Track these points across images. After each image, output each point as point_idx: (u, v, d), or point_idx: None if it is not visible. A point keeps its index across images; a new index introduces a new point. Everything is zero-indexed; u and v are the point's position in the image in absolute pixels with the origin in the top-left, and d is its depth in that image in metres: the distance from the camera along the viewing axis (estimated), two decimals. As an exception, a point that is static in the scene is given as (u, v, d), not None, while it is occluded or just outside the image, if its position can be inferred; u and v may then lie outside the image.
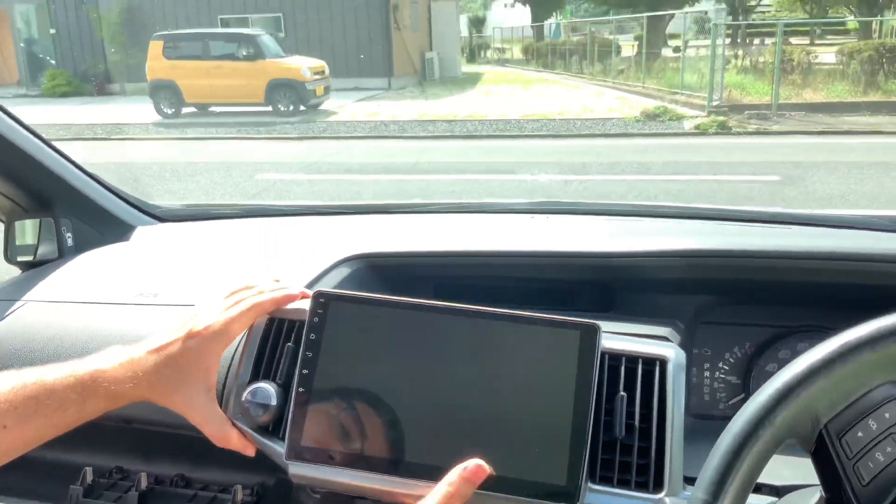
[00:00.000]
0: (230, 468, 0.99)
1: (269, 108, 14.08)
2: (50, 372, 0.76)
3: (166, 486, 0.99)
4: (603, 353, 0.81)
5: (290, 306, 0.92)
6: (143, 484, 0.97)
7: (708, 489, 0.53)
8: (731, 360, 1.07)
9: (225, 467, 1.00)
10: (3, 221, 1.44)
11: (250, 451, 0.85)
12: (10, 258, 1.43)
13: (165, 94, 14.31)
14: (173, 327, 0.83)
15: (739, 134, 10.31)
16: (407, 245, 1.18)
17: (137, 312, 1.09)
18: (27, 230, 1.43)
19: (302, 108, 14.16)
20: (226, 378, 0.93)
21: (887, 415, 0.54)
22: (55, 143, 1.43)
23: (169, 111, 14.30)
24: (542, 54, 25.14)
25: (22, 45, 19.90)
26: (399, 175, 8.67)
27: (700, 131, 10.52)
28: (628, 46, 20.97)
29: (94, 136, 11.68)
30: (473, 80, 20.71)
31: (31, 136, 1.36)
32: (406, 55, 19.19)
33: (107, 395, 0.78)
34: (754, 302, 1.06)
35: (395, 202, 1.69)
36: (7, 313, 1.14)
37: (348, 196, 7.28)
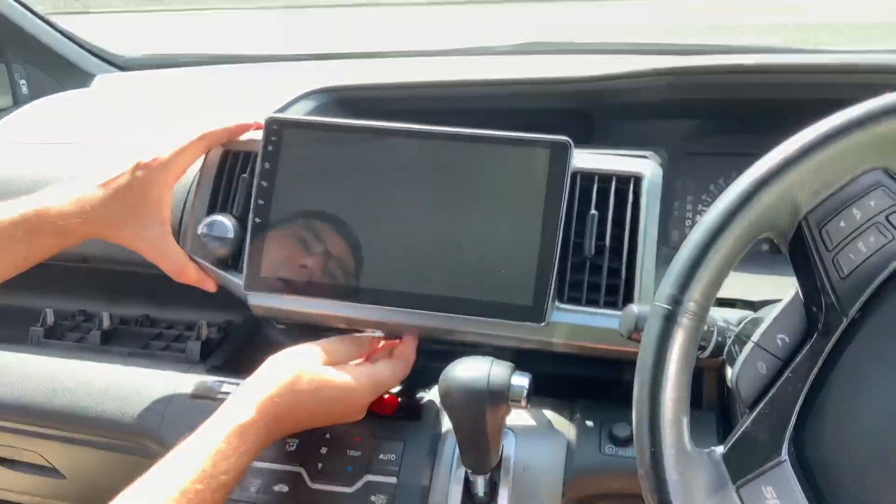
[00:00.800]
0: (196, 308, 0.97)
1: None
2: None
3: (131, 326, 0.97)
4: (575, 173, 0.77)
5: (245, 137, 0.87)
6: (106, 323, 0.94)
7: (674, 284, 0.50)
8: (715, 191, 1.03)
9: (191, 307, 0.97)
10: (-51, 68, 1.36)
11: (210, 286, 0.83)
12: (-41, 107, 1.35)
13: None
14: (121, 160, 0.78)
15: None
16: (377, 78, 1.10)
17: (94, 154, 1.03)
18: (-24, 76, 1.35)
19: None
20: (182, 213, 0.88)
21: (872, 203, 0.50)
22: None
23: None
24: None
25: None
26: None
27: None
28: None
29: None
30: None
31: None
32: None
33: (55, 232, 0.75)
34: (742, 130, 1.01)
35: (369, 50, 1.59)
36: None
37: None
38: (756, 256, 0.79)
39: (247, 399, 0.64)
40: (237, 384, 0.82)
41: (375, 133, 0.80)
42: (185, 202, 0.88)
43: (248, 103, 1.09)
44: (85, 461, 0.92)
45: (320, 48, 1.55)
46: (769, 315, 0.54)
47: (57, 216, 0.74)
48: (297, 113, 1.05)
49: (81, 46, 1.49)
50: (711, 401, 0.78)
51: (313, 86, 1.09)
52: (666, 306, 0.50)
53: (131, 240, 0.78)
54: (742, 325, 0.59)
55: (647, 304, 0.72)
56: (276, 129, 0.80)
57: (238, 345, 0.92)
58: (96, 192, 0.76)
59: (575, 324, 0.74)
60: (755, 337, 0.53)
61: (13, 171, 1.04)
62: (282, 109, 1.03)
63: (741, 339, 0.56)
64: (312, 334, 0.91)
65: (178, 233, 0.84)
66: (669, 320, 0.49)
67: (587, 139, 1.04)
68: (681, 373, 0.49)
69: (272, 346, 0.93)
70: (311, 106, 1.06)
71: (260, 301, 0.80)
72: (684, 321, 0.49)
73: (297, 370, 0.67)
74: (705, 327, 0.52)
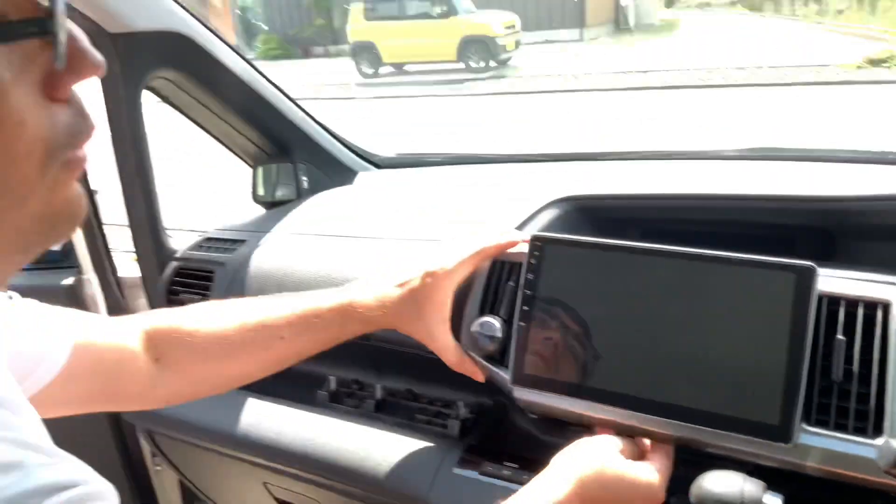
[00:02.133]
0: (451, 387, 1.10)
1: (461, 65, 14.33)
2: (318, 298, 0.92)
3: (398, 398, 1.11)
4: (821, 297, 0.79)
5: (511, 249, 1.00)
6: (378, 394, 1.10)
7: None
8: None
9: (447, 386, 1.10)
10: (251, 166, 1.65)
11: (479, 377, 0.96)
12: (255, 198, 1.64)
13: (365, 55, 15.05)
14: (413, 266, 0.95)
15: None
16: (616, 188, 1.20)
17: (370, 246, 1.22)
18: (270, 174, 1.62)
19: (493, 63, 14.26)
20: (460, 313, 1.02)
21: None
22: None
23: (369, 71, 15.03)
24: (749, -4, 23.24)
25: (237, 11, 21.73)
26: (593, 127, 8.52)
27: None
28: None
29: (300, 97, 12.59)
30: (672, 26, 19.62)
31: (276, 91, 1.54)
32: (599, 3, 18.56)
33: (361, 321, 0.92)
34: None
35: (599, 150, 1.70)
36: (260, 243, 1.32)
37: (535, 149, 7.31)
38: None
39: (563, 476, 0.74)
40: (492, 465, 0.93)
41: (627, 251, 0.89)
42: (463, 304, 1.02)
43: (499, 208, 1.24)
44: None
45: (549, 146, 1.68)
46: None
47: (363, 308, 0.91)
48: (543, 218, 1.17)
49: (348, 147, 1.74)
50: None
51: (557, 192, 1.21)
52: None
53: (419, 332, 0.93)
54: None
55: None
56: (540, 245, 0.93)
57: (489, 426, 1.03)
58: (393, 292, 0.92)
59: (823, 447, 0.75)
60: None
61: (293, 260, 1.25)
62: (531, 217, 1.16)
63: None
64: (559, 427, 1.01)
65: (455, 329, 0.98)
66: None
67: (828, 257, 1.05)
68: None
69: (520, 433, 1.04)
70: (555, 213, 1.18)
71: (523, 395, 0.91)
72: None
73: (604, 458, 0.76)
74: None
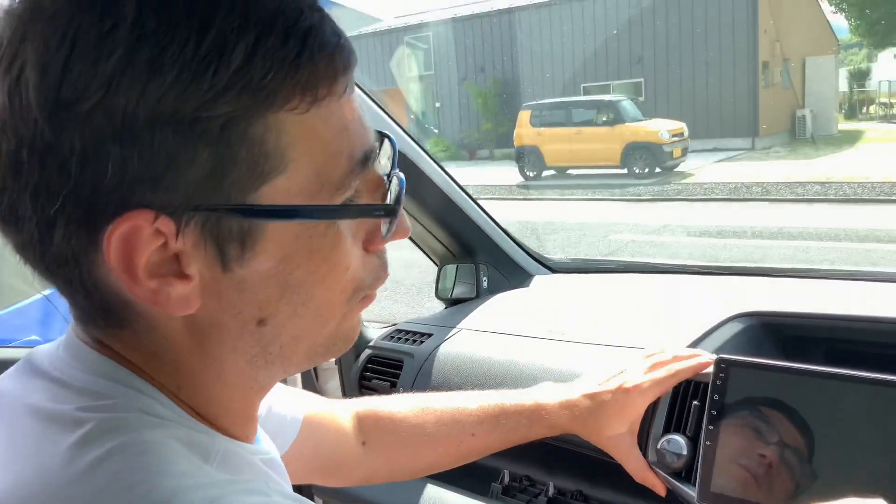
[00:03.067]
0: (622, 493, 1.12)
1: (625, 171, 14.39)
2: (505, 397, 0.98)
3: (568, 499, 1.15)
4: None
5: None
6: (551, 492, 1.14)
7: None
8: None
9: (618, 491, 1.12)
10: (436, 264, 1.79)
11: (662, 491, 0.99)
12: (439, 295, 1.77)
13: (529, 158, 15.53)
14: (604, 377, 1.00)
15: None
16: (800, 306, 1.20)
17: (548, 346, 1.29)
18: (453, 272, 1.75)
19: (658, 169, 14.21)
20: (646, 427, 1.06)
21: None
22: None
23: (531, 174, 15.46)
24: (941, 107, 21.71)
25: (412, 116, 23.29)
26: (761, 240, 8.19)
27: None
28: None
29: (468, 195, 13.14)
30: (852, 138, 18.67)
31: (464, 194, 1.69)
32: (773, 113, 18.09)
33: (548, 425, 0.97)
34: None
35: (775, 266, 1.69)
36: (446, 337, 1.43)
37: (703, 259, 7.11)
38: None
39: None
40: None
41: (814, 376, 0.90)
42: (649, 419, 1.06)
43: (676, 320, 1.27)
44: None
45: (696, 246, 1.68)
46: None
47: (551, 413, 0.96)
48: (724, 333, 1.19)
49: (525, 251, 1.85)
50: None
51: (736, 307, 1.23)
52: None
53: (605, 443, 0.97)
54: None
55: None
56: (725, 367, 0.96)
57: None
58: (582, 401, 0.96)
59: None
60: None
61: (475, 354, 1.34)
62: (711, 331, 1.19)
63: None
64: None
65: (642, 444, 1.01)
66: None
67: None
68: None
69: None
70: (737, 329, 1.20)
71: None
72: None
73: None
74: None
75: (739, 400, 0.94)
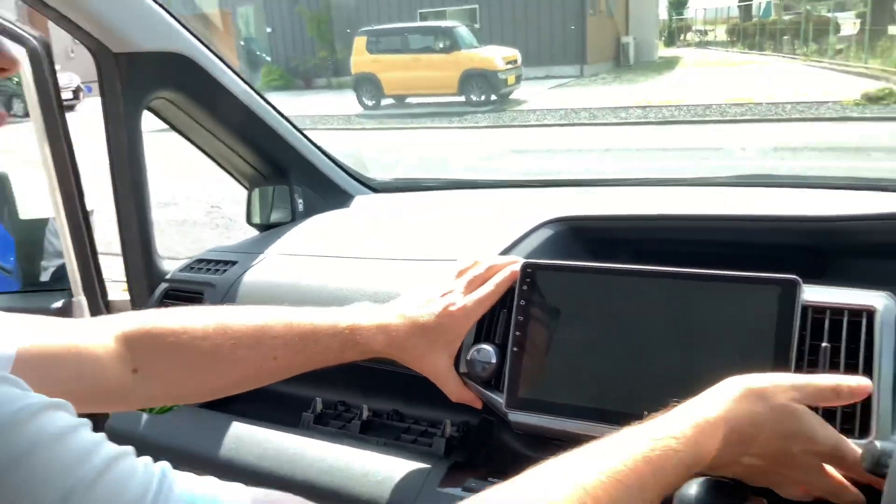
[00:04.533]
0: (438, 407, 1.08)
1: (462, 98, 14.48)
2: (317, 317, 0.89)
3: (383, 419, 1.10)
4: (805, 307, 0.81)
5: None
6: (365, 415, 1.09)
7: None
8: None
9: (433, 406, 1.09)
10: (246, 188, 1.65)
11: (478, 405, 0.96)
12: (250, 220, 1.64)
13: (367, 86, 15.23)
14: (424, 299, 0.94)
15: None
16: (607, 210, 1.20)
17: (363, 266, 1.22)
18: (266, 196, 1.63)
19: (493, 97, 14.42)
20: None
21: None
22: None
23: (370, 103, 15.19)
24: (748, 35, 23.60)
25: (241, 42, 22.00)
26: (591, 162, 8.57)
27: (934, 113, 9.35)
28: (849, 24, 19.05)
29: (302, 127, 12.69)
30: (672, 64, 19.88)
31: (275, 113, 1.56)
32: (600, 41, 18.82)
33: (360, 349, 0.90)
34: None
35: (593, 177, 1.71)
36: (253, 263, 1.32)
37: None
38: None
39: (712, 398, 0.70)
40: (478, 481, 0.92)
41: (614, 274, 0.90)
42: None
43: (491, 230, 1.24)
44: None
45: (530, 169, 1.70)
46: None
47: (366, 337, 0.89)
48: (535, 239, 1.18)
49: (345, 171, 1.75)
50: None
51: (547, 215, 1.21)
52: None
53: (422, 366, 0.92)
54: None
55: (885, 436, 0.73)
56: (529, 272, 0.94)
57: (475, 444, 1.02)
58: (401, 324, 0.90)
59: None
60: None
61: (284, 280, 1.25)
62: (522, 238, 1.16)
63: None
64: (543, 442, 1.00)
65: (456, 358, 0.97)
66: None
67: (819, 275, 1.06)
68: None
69: (506, 449, 1.03)
70: (547, 235, 1.18)
71: (518, 418, 0.91)
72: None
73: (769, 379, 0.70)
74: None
75: (545, 304, 0.92)
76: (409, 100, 15.47)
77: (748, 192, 1.38)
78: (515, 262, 0.96)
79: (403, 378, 1.07)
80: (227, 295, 1.25)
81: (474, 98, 14.40)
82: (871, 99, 10.45)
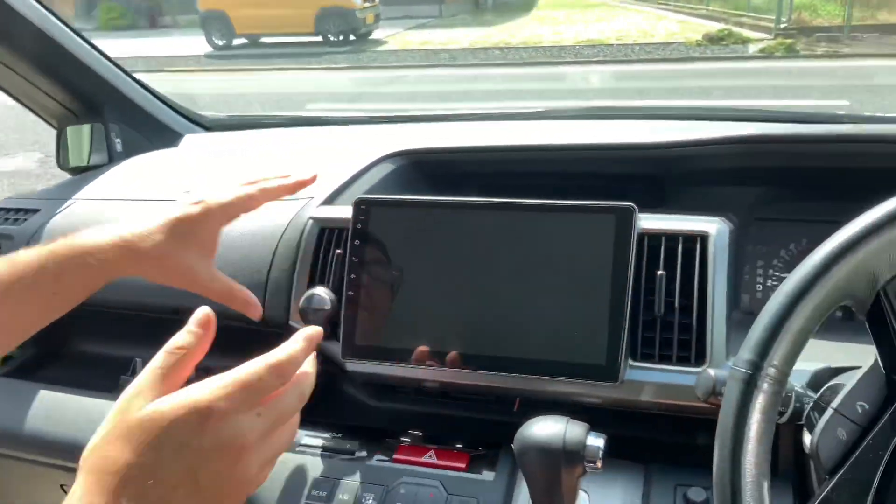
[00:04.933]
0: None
1: (319, 38, 13.95)
2: (23, 252, 0.72)
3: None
4: (642, 234, 0.80)
5: (337, 215, 0.93)
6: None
7: (755, 349, 0.51)
8: (786, 257, 1.03)
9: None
10: (55, 128, 1.46)
11: (256, 314, 0.82)
12: (61, 164, 1.46)
13: (216, 25, 14.29)
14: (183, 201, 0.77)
15: (808, 57, 9.76)
16: (451, 142, 1.15)
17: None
18: (78, 136, 1.45)
19: (352, 37, 13.99)
20: (288, 286, 0.93)
21: (953, 274, 0.50)
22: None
23: (220, 42, 14.31)
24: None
25: (72, -22, 20.01)
26: (451, 103, 8.54)
27: (766, 55, 10.01)
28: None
29: (147, 69, 11.81)
30: (528, 5, 20.08)
31: (82, 42, 1.37)
32: (458, -19, 18.67)
33: (87, 266, 0.71)
34: (812, 197, 1.01)
35: (441, 112, 1.65)
36: (57, 211, 1.16)
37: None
38: (833, 323, 0.79)
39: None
40: (317, 436, 0.86)
41: (451, 207, 0.85)
42: (291, 277, 0.94)
43: (328, 164, 1.15)
44: None
45: (387, 110, 1.62)
46: (849, 382, 0.55)
47: (93, 250, 0.71)
48: (377, 175, 1.11)
49: (172, 108, 1.59)
50: (786, 467, 0.77)
51: (389, 149, 1.14)
52: (746, 371, 0.51)
53: (175, 272, 0.75)
54: (821, 391, 0.60)
55: (720, 362, 0.74)
56: (364, 208, 0.86)
57: (314, 397, 0.95)
58: (142, 227, 0.73)
59: (649, 381, 0.76)
60: (835, 404, 0.54)
61: (88, 226, 1.09)
62: (362, 172, 1.09)
63: (820, 406, 0.57)
64: (390, 391, 0.95)
65: (285, 304, 0.91)
66: (750, 385, 0.50)
67: (658, 204, 1.06)
68: (762, 438, 0.50)
69: (346, 399, 0.97)
70: (389, 169, 1.12)
71: (356, 367, 0.86)
72: (765, 386, 0.50)
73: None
74: (784, 393, 0.53)
75: (382, 243, 0.86)
76: (262, 39, 14.71)
77: (592, 125, 1.37)
78: (286, 177, 0.82)
79: (234, 332, 0.98)
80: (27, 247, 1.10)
81: (332, 38, 13.90)
82: (712, 40, 11.03)
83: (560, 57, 11.04)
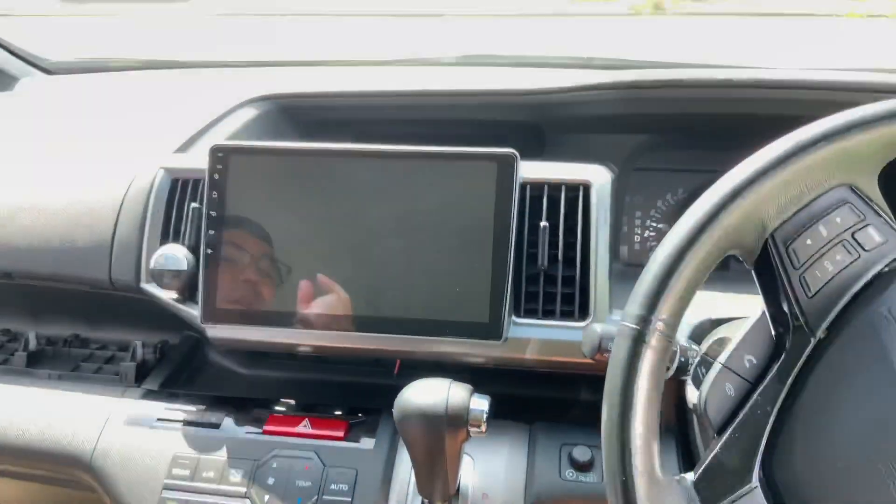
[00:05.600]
0: (130, 327, 0.91)
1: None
2: None
3: (59, 347, 0.90)
4: (524, 184, 0.76)
5: (191, 165, 0.83)
6: (32, 344, 0.88)
7: (643, 302, 0.48)
8: (663, 207, 1.03)
9: (124, 326, 0.92)
10: None
11: None
12: None
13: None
14: None
15: (676, 15, 10.13)
16: (318, 87, 1.06)
17: (19, 169, 0.96)
18: None
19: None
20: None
21: (839, 219, 0.49)
22: None
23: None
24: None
25: None
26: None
27: (633, 13, 10.31)
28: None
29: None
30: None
31: None
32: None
33: None
34: (690, 146, 1.01)
35: (309, 59, 1.55)
36: None
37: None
38: (717, 273, 0.79)
39: None
40: (177, 409, 0.78)
41: (321, 155, 0.77)
42: (141, 234, 0.83)
43: (187, 109, 1.04)
44: (11, 495, 0.86)
45: (257, 56, 1.50)
46: (735, 335, 0.53)
47: None
48: (239, 121, 1.01)
49: (5, 48, 1.40)
50: (670, 424, 0.77)
51: (254, 93, 1.05)
52: (634, 326, 0.48)
53: None
54: (709, 344, 0.58)
55: (603, 316, 0.72)
56: (222, 156, 0.77)
57: (175, 366, 0.87)
58: None
59: (534, 338, 0.73)
60: (722, 358, 0.52)
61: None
62: (222, 116, 0.99)
63: (707, 361, 0.55)
64: (261, 358, 0.87)
65: (135, 264, 0.80)
66: (638, 341, 0.48)
67: (538, 153, 1.03)
68: (651, 396, 0.48)
69: (212, 368, 0.89)
70: (253, 114, 1.02)
71: (217, 333, 0.77)
72: (653, 342, 0.48)
73: None
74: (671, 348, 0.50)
75: (243, 195, 0.77)
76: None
77: (471, 71, 1.32)
78: None
79: (83, 295, 0.88)
80: None
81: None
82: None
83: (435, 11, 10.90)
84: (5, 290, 0.92)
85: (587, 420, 0.73)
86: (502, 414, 0.68)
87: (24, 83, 1.38)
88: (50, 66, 1.46)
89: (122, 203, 0.83)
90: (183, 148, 0.90)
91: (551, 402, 0.79)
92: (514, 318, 0.73)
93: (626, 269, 1.00)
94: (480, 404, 0.60)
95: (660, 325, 0.48)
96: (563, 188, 0.76)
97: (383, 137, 1.04)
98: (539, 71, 1.28)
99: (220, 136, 0.95)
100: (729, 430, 0.49)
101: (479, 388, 0.63)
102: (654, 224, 1.03)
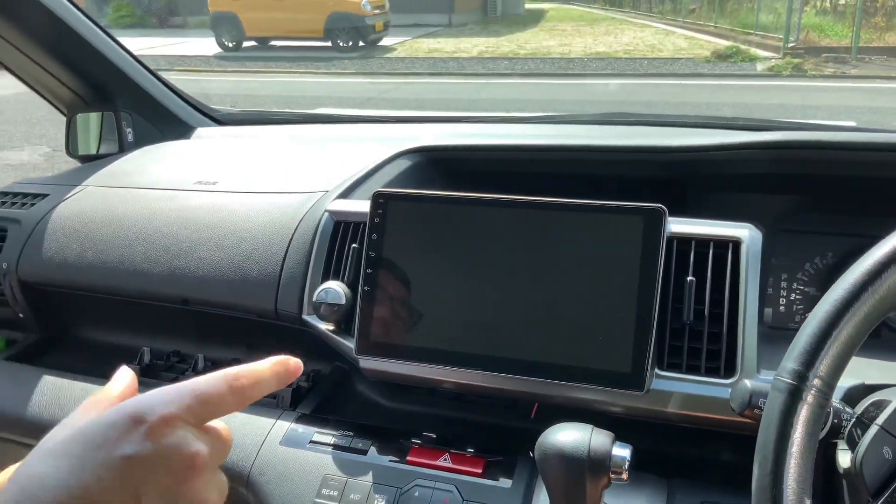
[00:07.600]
0: (286, 355, 0.98)
1: (329, 44, 13.96)
2: None
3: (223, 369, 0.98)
4: (671, 238, 0.77)
5: (353, 208, 0.91)
6: (200, 365, 0.97)
7: (800, 358, 0.48)
8: (810, 270, 1.00)
9: (281, 353, 0.99)
10: (65, 115, 1.44)
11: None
12: (70, 151, 1.44)
13: (227, 26, 14.31)
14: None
15: (815, 77, 9.76)
16: (469, 140, 1.12)
17: (194, 198, 1.08)
18: (88, 124, 1.43)
19: (361, 43, 14.01)
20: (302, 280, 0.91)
21: None
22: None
23: (230, 44, 14.33)
24: (609, -8, 24.29)
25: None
26: (458, 112, 8.52)
27: (774, 73, 10.00)
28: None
29: (157, 69, 11.79)
30: (537, 17, 20.12)
31: (96, 29, 1.35)
32: (468, -10, 18.70)
33: None
34: (837, 209, 0.99)
35: (459, 114, 1.63)
36: (66, 197, 1.14)
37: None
38: (869, 340, 0.76)
39: None
40: (328, 433, 0.83)
41: (474, 203, 0.82)
42: (306, 270, 0.91)
43: (345, 160, 1.13)
44: None
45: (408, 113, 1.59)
46: (894, 399, 0.52)
47: None
48: (392, 170, 1.08)
49: (185, 101, 1.57)
50: (816, 488, 0.74)
51: (405, 146, 1.12)
52: (791, 381, 0.48)
53: None
54: (864, 407, 0.57)
55: (751, 374, 0.71)
56: (383, 202, 0.84)
57: (326, 394, 0.93)
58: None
59: (676, 392, 0.73)
60: (880, 420, 0.51)
61: (96, 212, 1.08)
62: (380, 166, 1.07)
63: (864, 423, 0.54)
64: (404, 392, 0.92)
65: (299, 297, 0.88)
66: (794, 397, 0.48)
67: (679, 210, 1.04)
68: (805, 453, 0.47)
69: (358, 398, 0.95)
70: (406, 165, 1.09)
71: (370, 364, 0.83)
72: (809, 398, 0.48)
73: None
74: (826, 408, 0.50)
75: (399, 237, 0.83)
76: (272, 42, 14.72)
77: (611, 130, 1.35)
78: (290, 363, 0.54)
79: (246, 324, 0.96)
80: (34, 231, 1.07)
81: (341, 44, 13.91)
82: (721, 56, 11.03)
83: (568, 69, 11.04)
84: (180, 316, 1.02)
85: (727, 480, 0.72)
86: (638, 467, 0.68)
87: (199, 132, 1.54)
88: (221, 116, 1.62)
89: (290, 241, 0.92)
90: (345, 194, 0.98)
91: (689, 459, 0.78)
92: (656, 370, 0.73)
93: (770, 332, 0.98)
94: (623, 451, 0.61)
95: (817, 382, 0.48)
96: (712, 244, 0.76)
97: (522, 190, 1.08)
98: (677, 130, 1.29)
99: (378, 183, 1.02)
100: (886, 495, 0.48)
101: (616, 438, 0.64)
102: (801, 287, 1.01)
